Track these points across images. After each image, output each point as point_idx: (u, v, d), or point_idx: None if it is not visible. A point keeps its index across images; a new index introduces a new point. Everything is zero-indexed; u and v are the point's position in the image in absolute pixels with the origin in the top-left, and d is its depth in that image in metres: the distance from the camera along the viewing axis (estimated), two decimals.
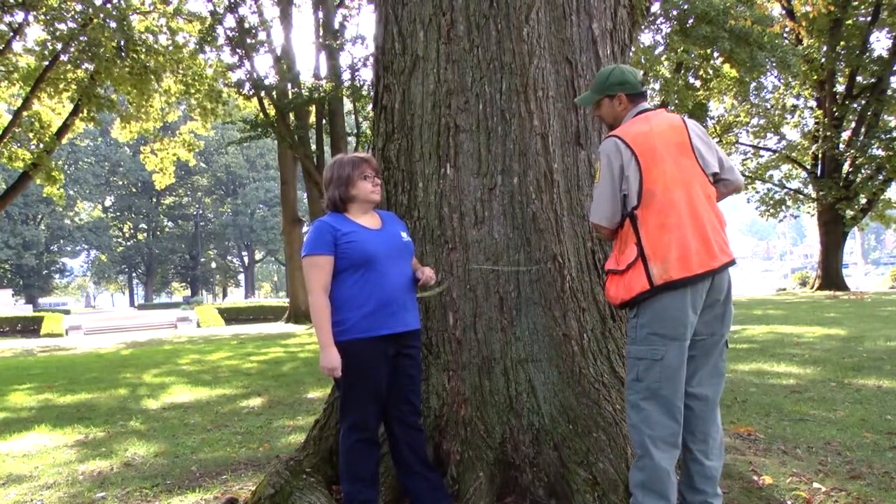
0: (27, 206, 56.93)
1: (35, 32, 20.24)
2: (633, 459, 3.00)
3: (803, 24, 26.72)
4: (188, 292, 74.48)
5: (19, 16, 19.42)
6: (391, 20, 3.92)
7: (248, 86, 21.70)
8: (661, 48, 22.90)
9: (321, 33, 22.68)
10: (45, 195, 28.29)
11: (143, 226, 69.48)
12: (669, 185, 2.91)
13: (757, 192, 32.67)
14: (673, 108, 25.26)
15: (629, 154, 2.91)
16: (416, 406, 3.26)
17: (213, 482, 4.34)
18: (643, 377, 2.91)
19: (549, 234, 3.63)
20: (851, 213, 27.06)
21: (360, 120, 23.89)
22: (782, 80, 28.69)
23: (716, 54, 22.81)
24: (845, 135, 27.63)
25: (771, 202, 32.19)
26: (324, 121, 23.56)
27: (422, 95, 3.78)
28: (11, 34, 19.60)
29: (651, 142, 2.94)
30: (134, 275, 74.49)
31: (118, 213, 67.67)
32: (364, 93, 20.39)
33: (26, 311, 46.07)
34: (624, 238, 2.97)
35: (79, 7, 18.87)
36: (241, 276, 78.03)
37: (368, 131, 22.12)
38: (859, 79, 27.51)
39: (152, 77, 21.61)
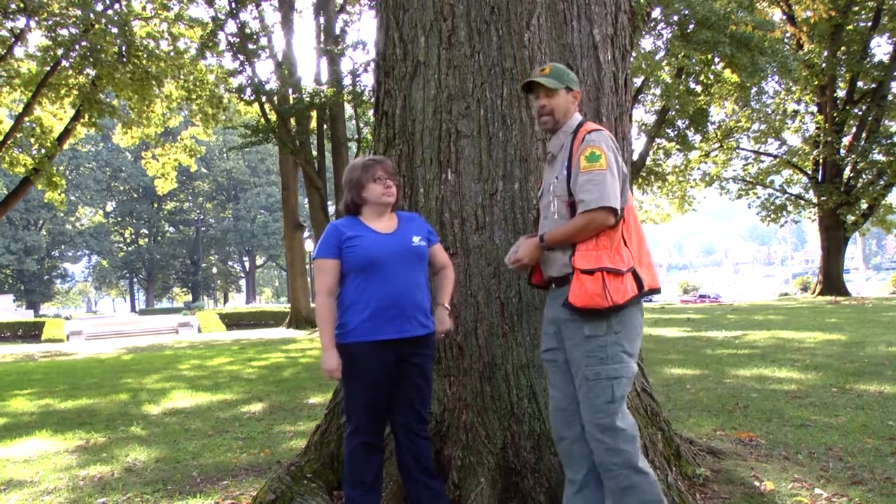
0: (28, 212, 56.99)
1: (36, 38, 20.29)
2: (611, 482, 2.81)
3: (804, 29, 26.78)
4: (189, 297, 74.48)
5: (21, 21, 19.45)
6: (392, 26, 3.93)
7: (249, 91, 21.72)
8: (661, 53, 22.94)
9: (322, 39, 22.73)
10: (46, 200, 28.34)
11: (145, 231, 69.49)
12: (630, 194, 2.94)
13: (758, 198, 32.69)
14: (674, 113, 25.30)
15: (619, 152, 2.90)
16: (422, 415, 3.22)
17: (213, 488, 4.34)
18: (617, 397, 2.79)
19: None
20: (852, 218, 27.09)
21: (362, 125, 23.92)
22: (783, 86, 28.75)
23: (717, 59, 22.84)
24: (846, 140, 27.67)
25: (772, 207, 32.21)
26: (325, 126, 23.61)
27: (423, 101, 3.79)
28: (13, 40, 19.63)
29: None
30: (135, 280, 74.49)
31: (119, 219, 67.68)
32: (365, 98, 20.43)
33: (27, 316, 46.12)
34: (614, 237, 2.81)
35: (80, 13, 18.89)
36: (243, 282, 78.04)
37: (370, 137, 22.13)
38: (860, 84, 27.55)
39: (154, 82, 21.63)
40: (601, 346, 2.78)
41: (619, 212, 2.79)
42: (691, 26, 19.52)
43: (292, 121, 22.61)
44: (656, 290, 2.93)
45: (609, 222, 2.78)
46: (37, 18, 19.10)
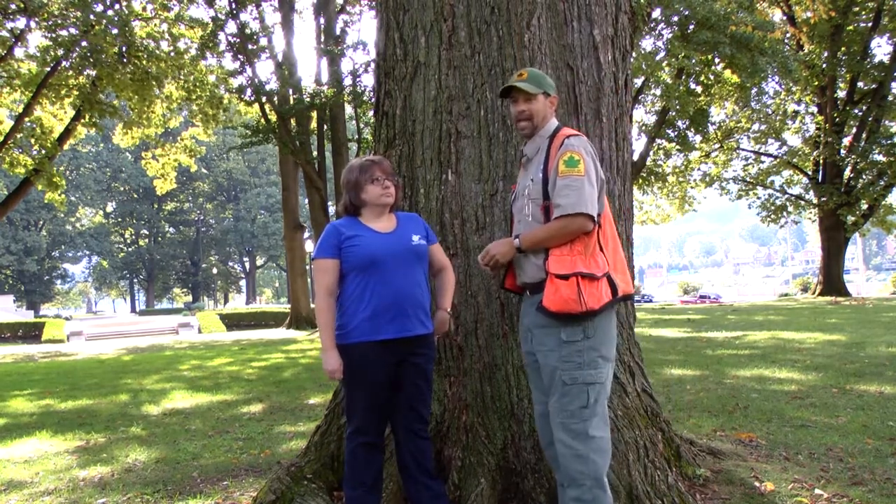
0: (29, 212, 57.01)
1: (37, 38, 20.40)
2: (572, 491, 2.77)
3: (804, 29, 26.80)
4: (189, 298, 74.49)
5: (21, 22, 19.47)
6: (392, 26, 3.92)
7: (249, 91, 21.74)
8: (662, 54, 22.94)
9: (322, 39, 22.74)
10: (46, 201, 28.36)
11: (145, 231, 69.53)
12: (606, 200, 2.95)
13: (758, 198, 32.70)
14: (674, 113, 25.29)
15: (597, 157, 2.92)
16: (422, 415, 3.20)
17: (214, 488, 4.33)
18: (592, 404, 2.77)
19: None
20: (853, 218, 27.10)
21: (362, 126, 23.93)
22: (783, 86, 28.77)
23: (717, 60, 22.84)
24: (846, 140, 27.69)
25: (772, 208, 32.22)
26: (325, 127, 23.61)
27: (423, 101, 3.78)
28: (13, 40, 19.64)
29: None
30: (135, 280, 74.52)
31: (119, 219, 67.71)
32: (365, 99, 20.44)
33: (27, 316, 46.11)
34: (589, 242, 2.80)
35: (80, 13, 18.90)
36: (243, 282, 78.06)
37: (370, 137, 22.14)
38: (860, 84, 27.57)
39: (154, 83, 21.66)
40: (578, 351, 2.77)
41: (596, 218, 2.79)
42: (691, 27, 19.53)
43: (292, 121, 22.62)
44: (630, 296, 2.97)
45: (586, 228, 2.77)
46: (37, 19, 19.12)
